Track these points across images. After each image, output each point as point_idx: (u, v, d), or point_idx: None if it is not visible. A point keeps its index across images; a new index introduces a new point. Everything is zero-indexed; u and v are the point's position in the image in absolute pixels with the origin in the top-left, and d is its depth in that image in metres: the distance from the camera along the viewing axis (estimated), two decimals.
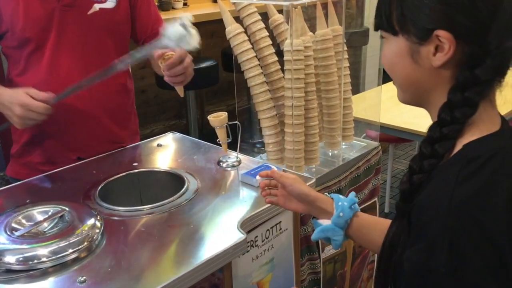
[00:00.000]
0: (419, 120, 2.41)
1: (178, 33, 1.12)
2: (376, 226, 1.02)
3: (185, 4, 3.41)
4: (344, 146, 1.57)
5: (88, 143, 1.42)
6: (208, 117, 1.33)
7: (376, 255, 1.75)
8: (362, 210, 1.63)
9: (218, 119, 1.32)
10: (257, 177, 1.21)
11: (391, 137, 2.60)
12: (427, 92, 0.77)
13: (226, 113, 1.33)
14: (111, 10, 1.38)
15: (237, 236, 1.03)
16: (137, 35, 1.49)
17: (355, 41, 3.39)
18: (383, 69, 0.85)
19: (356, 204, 1.02)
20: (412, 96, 0.80)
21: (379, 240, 1.01)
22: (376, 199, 1.68)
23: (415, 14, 0.73)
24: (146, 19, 1.47)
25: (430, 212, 0.69)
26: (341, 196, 1.03)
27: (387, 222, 1.03)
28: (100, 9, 1.36)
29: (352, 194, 1.03)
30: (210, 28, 3.54)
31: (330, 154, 1.55)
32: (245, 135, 1.40)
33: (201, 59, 3.29)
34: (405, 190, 0.76)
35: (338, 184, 1.47)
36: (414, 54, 0.75)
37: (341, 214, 0.99)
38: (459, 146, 0.72)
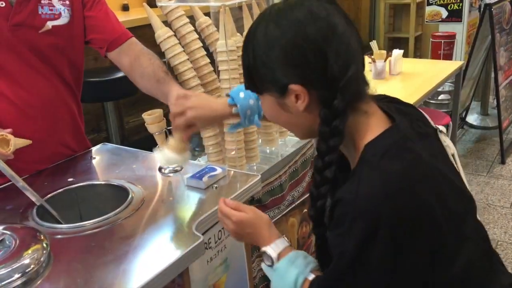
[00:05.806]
0: None
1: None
2: None
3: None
4: (280, 142, 1.60)
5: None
6: (146, 124, 1.30)
7: None
8: (301, 203, 1.68)
9: (156, 124, 1.29)
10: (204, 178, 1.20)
11: None
12: (311, 128, 0.86)
13: (164, 118, 1.31)
14: (64, 26, 1.32)
15: (194, 238, 1.01)
16: (99, 44, 1.41)
17: None
18: None
19: None
20: (303, 134, 0.92)
21: None
22: None
23: (269, 76, 0.84)
24: (104, 25, 1.41)
25: (343, 207, 0.80)
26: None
27: None
28: (53, 26, 1.29)
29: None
30: None
31: (268, 151, 1.58)
32: None
33: (117, 68, 3.17)
34: (314, 217, 0.88)
35: (279, 180, 1.51)
36: (282, 106, 0.86)
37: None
38: (360, 147, 0.84)
